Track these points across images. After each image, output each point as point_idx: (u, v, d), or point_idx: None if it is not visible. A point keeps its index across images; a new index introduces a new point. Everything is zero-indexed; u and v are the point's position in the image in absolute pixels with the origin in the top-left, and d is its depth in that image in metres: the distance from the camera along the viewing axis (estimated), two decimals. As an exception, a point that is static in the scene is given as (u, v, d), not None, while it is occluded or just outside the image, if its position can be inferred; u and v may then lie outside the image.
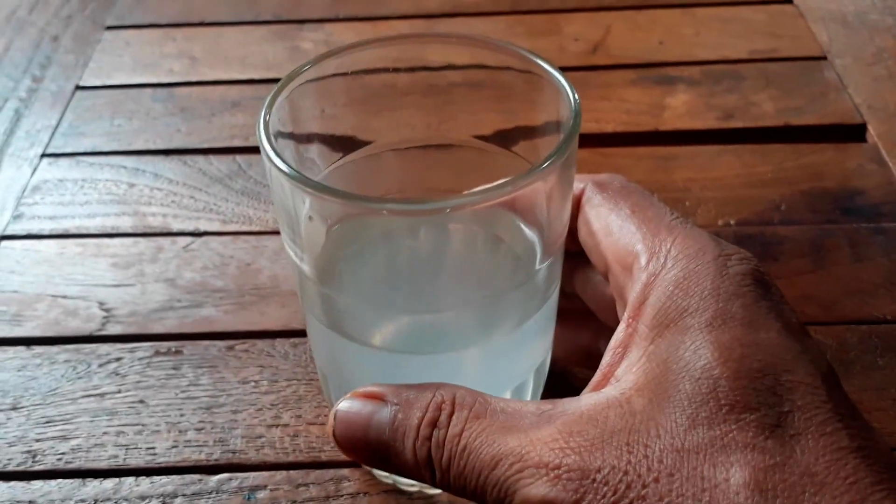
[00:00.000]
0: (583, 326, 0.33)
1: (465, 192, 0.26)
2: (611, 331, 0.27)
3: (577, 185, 0.30)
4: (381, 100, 0.32)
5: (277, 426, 0.35)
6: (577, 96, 0.28)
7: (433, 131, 0.33)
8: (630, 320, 0.26)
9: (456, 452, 0.24)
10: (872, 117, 0.50)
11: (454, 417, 0.24)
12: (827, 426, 0.22)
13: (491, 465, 0.23)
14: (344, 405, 0.26)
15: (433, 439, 0.24)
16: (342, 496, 0.33)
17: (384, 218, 0.30)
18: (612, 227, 0.28)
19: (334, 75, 0.30)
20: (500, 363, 0.30)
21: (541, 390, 0.34)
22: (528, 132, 0.31)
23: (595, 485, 0.22)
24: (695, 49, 0.56)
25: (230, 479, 0.34)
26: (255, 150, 0.49)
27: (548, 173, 0.25)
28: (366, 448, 0.25)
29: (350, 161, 0.32)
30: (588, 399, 0.24)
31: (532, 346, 0.31)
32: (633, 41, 0.57)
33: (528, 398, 0.32)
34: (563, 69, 0.54)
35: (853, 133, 0.50)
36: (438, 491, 0.33)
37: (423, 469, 0.25)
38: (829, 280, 0.41)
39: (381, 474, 0.34)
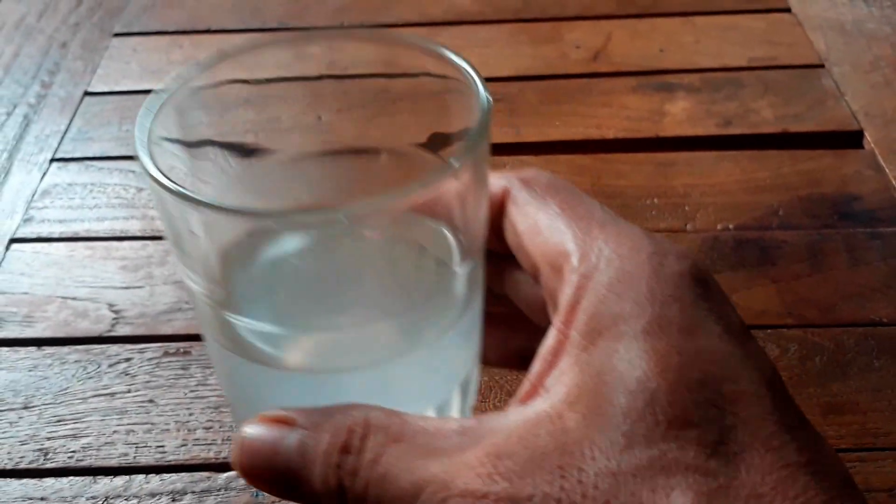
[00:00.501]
0: (516, 329, 0.32)
1: (361, 198, 0.23)
2: (543, 334, 0.26)
3: (501, 183, 0.28)
4: (289, 103, 0.30)
5: (284, 425, 0.36)
6: (488, 95, 0.26)
7: (347, 136, 0.30)
8: (561, 326, 0.24)
9: (372, 480, 0.22)
10: (869, 124, 0.51)
11: (369, 441, 0.22)
12: (773, 440, 0.21)
13: (412, 493, 0.21)
14: (249, 431, 0.23)
15: (345, 466, 0.22)
16: (348, 493, 0.34)
17: (282, 231, 0.28)
18: (541, 225, 0.26)
19: (230, 82, 0.28)
20: (421, 378, 0.28)
21: (469, 407, 0.32)
22: (447, 136, 0.29)
23: None
24: (695, 57, 0.57)
25: (238, 476, 0.34)
26: (262, 155, 0.50)
27: (458, 174, 0.24)
28: (272, 477, 0.23)
29: (253, 169, 0.29)
30: (516, 415, 0.22)
31: (455, 358, 0.29)
32: (634, 49, 0.57)
33: (456, 416, 0.30)
34: (565, 76, 0.56)
35: (850, 140, 0.50)
36: None
37: (335, 499, 0.22)
38: (826, 284, 0.42)
39: None
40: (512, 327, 0.31)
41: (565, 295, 0.24)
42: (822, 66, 0.56)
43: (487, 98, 0.26)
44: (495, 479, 0.21)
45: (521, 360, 0.30)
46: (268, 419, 0.24)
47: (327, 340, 0.28)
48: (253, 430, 0.23)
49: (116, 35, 0.61)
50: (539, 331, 0.29)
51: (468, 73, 0.27)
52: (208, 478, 0.34)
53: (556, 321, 0.24)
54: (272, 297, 0.29)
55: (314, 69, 0.29)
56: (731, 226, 0.45)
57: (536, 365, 0.24)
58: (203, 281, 0.26)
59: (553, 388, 0.23)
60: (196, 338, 0.40)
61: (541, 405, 0.22)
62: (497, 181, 0.28)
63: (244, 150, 0.29)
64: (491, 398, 0.37)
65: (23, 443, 0.36)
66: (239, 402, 0.29)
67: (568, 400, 0.22)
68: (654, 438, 0.21)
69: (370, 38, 0.29)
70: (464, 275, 0.27)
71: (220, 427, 0.36)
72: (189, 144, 0.27)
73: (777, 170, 0.48)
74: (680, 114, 0.52)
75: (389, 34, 0.29)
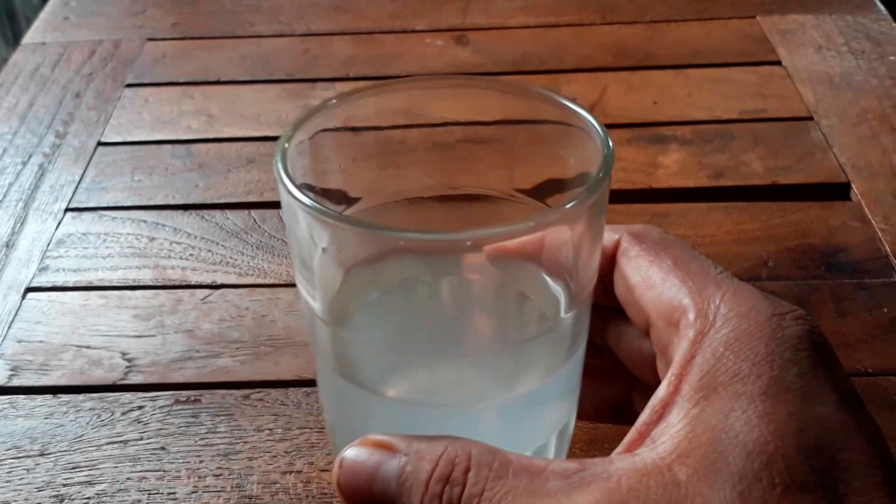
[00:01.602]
0: (612, 381, 0.32)
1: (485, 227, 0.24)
2: (643, 388, 0.26)
3: (612, 237, 0.28)
4: (397, 151, 0.32)
5: (291, 472, 0.38)
6: (610, 142, 0.27)
7: (456, 182, 0.32)
8: (674, 379, 0.24)
9: None
10: (856, 176, 0.52)
11: (471, 475, 0.22)
12: None
13: None
14: (351, 453, 0.24)
15: (445, 496, 0.23)
16: (352, 540, 0.35)
17: (403, 262, 0.29)
18: (654, 280, 0.26)
19: (352, 128, 0.29)
20: (521, 421, 0.29)
21: (564, 455, 0.32)
22: (560, 184, 0.30)
23: None
24: (687, 109, 0.59)
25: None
26: (270, 204, 0.52)
27: (574, 214, 0.24)
28: (370, 500, 0.24)
29: (362, 210, 0.31)
30: (623, 462, 0.22)
31: (556, 403, 0.30)
32: (629, 101, 0.59)
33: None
34: (562, 128, 0.57)
35: (838, 191, 0.52)
36: None
37: None
38: (813, 334, 0.43)
39: None
40: (609, 380, 0.32)
41: (681, 349, 0.24)
42: (811, 118, 0.58)
43: (609, 143, 0.27)
44: None
45: (615, 413, 0.32)
46: (370, 443, 0.24)
47: (433, 374, 0.29)
48: (355, 453, 0.24)
49: (129, 86, 0.63)
50: (636, 386, 0.30)
51: (588, 119, 0.28)
52: (218, 524, 0.36)
53: (669, 374, 0.24)
54: (383, 325, 0.31)
55: (425, 117, 0.31)
56: (721, 277, 0.46)
57: (644, 415, 0.24)
58: (324, 299, 0.28)
59: (661, 439, 0.23)
60: (206, 386, 0.41)
61: (649, 455, 0.22)
62: (607, 234, 0.29)
63: (347, 197, 0.31)
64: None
65: (39, 489, 0.37)
66: (341, 427, 0.30)
67: (678, 452, 0.22)
68: (769, 499, 0.21)
69: (489, 86, 0.30)
70: (570, 319, 0.28)
71: (230, 474, 0.38)
72: (311, 188, 0.29)
73: (766, 221, 0.50)
74: (673, 165, 0.54)
75: (514, 84, 0.30)
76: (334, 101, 0.29)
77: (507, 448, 0.24)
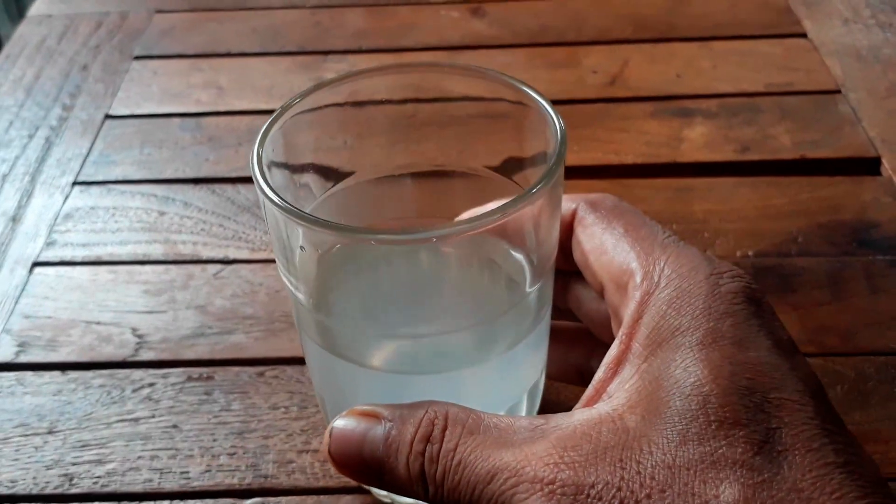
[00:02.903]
0: (575, 344, 0.34)
1: (454, 220, 0.26)
2: (603, 349, 0.28)
3: (569, 205, 0.30)
4: (374, 128, 0.33)
5: (307, 451, 0.36)
6: (562, 124, 0.29)
7: (426, 159, 0.34)
8: (624, 338, 0.26)
9: (450, 467, 0.24)
10: (886, 150, 0.51)
11: (447, 433, 0.25)
12: (813, 442, 0.23)
13: (486, 479, 0.24)
14: (339, 423, 0.26)
15: (426, 454, 0.25)
16: (372, 521, 0.34)
17: (375, 246, 0.31)
18: (606, 246, 0.29)
19: (326, 106, 0.31)
20: (494, 384, 0.31)
21: (535, 411, 0.34)
22: (520, 162, 0.32)
23: (589, 500, 0.22)
24: (712, 82, 0.57)
25: (262, 503, 0.35)
26: (282, 179, 0.50)
27: (534, 199, 0.26)
28: (360, 465, 0.26)
29: (343, 189, 0.33)
30: (581, 415, 0.25)
31: (525, 367, 0.32)
32: (651, 74, 0.58)
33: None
34: (583, 101, 0.56)
35: (868, 166, 0.51)
36: None
37: (417, 484, 0.25)
38: (846, 312, 0.42)
39: (380, 493, 0.34)
40: (572, 343, 0.34)
41: (629, 310, 0.27)
42: (839, 91, 0.56)
43: (562, 127, 0.29)
44: (561, 468, 0.23)
45: (578, 375, 0.34)
46: (357, 413, 0.26)
47: (411, 346, 0.31)
48: (343, 423, 0.26)
49: (137, 58, 0.62)
50: (597, 348, 0.32)
51: (540, 102, 0.30)
52: (232, 504, 0.35)
53: (620, 334, 0.27)
54: (361, 303, 0.32)
55: (400, 94, 0.33)
56: (750, 252, 0.45)
57: (600, 373, 0.27)
58: (305, 288, 0.30)
59: (616, 393, 0.25)
60: (219, 363, 0.40)
61: (604, 408, 0.25)
62: (565, 203, 0.31)
63: (331, 173, 0.33)
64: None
65: (48, 468, 0.36)
66: (330, 398, 0.33)
67: (629, 404, 0.24)
68: (705, 437, 0.23)
69: (454, 70, 0.33)
70: (535, 292, 0.30)
71: (244, 453, 0.36)
72: (290, 167, 0.31)
73: (795, 196, 0.48)
74: (698, 139, 0.52)
75: (470, 67, 0.32)
76: (298, 99, 0.31)
77: (483, 408, 0.26)
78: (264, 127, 0.29)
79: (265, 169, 0.28)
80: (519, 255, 0.30)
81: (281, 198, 0.27)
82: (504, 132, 0.33)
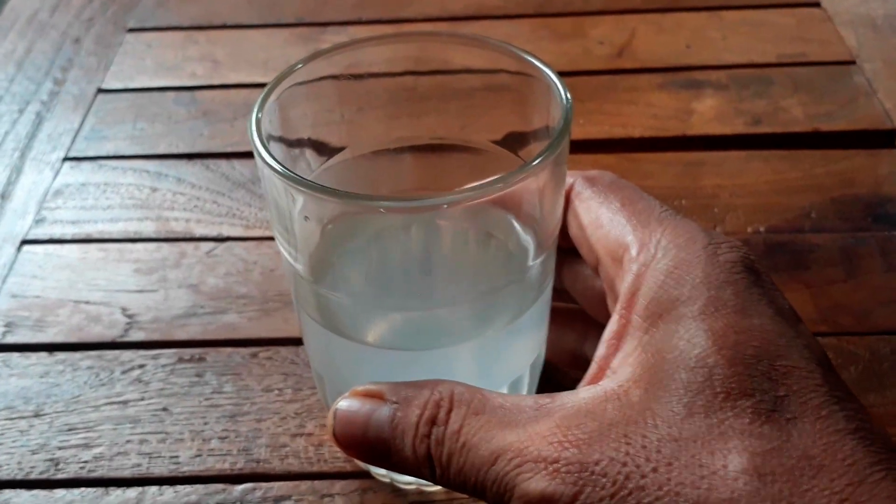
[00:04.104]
0: (567, 328, 0.34)
1: (458, 189, 0.26)
2: (597, 331, 0.27)
3: (567, 181, 0.30)
4: (372, 101, 0.32)
5: (302, 435, 0.35)
6: (568, 95, 0.28)
7: (426, 133, 0.33)
8: (623, 311, 0.26)
9: (455, 449, 0.24)
10: (904, 123, 0.49)
11: (453, 414, 0.24)
12: (822, 409, 0.22)
13: (490, 460, 0.23)
14: (343, 404, 0.26)
15: (432, 437, 0.24)
16: (368, 508, 0.33)
17: (378, 216, 0.30)
18: (603, 220, 0.28)
19: (323, 78, 0.30)
20: (497, 358, 0.30)
21: (536, 384, 0.34)
22: (524, 135, 0.31)
23: (594, 477, 0.22)
24: (722, 53, 0.55)
25: (254, 488, 0.33)
26: (278, 154, 0.49)
27: (538, 170, 0.26)
28: (365, 446, 0.26)
29: (340, 162, 0.32)
30: (585, 392, 0.24)
31: (528, 340, 0.31)
32: (660, 45, 0.56)
33: (525, 392, 0.33)
34: (589, 73, 0.54)
35: (883, 139, 0.49)
36: (437, 488, 0.33)
37: (423, 466, 0.25)
38: (861, 289, 0.40)
39: (379, 472, 0.33)
40: (564, 326, 0.33)
41: (626, 283, 0.26)
42: (854, 62, 0.54)
43: (568, 98, 0.28)
44: (565, 447, 0.23)
45: (572, 357, 0.34)
46: (360, 393, 0.26)
47: (409, 320, 0.31)
48: (347, 404, 0.26)
49: (131, 30, 0.60)
50: (590, 331, 0.31)
51: (545, 71, 0.29)
52: (223, 490, 0.33)
53: (618, 307, 0.26)
54: (362, 277, 0.32)
55: (400, 66, 0.32)
56: (762, 228, 0.43)
57: (601, 349, 0.26)
58: (303, 258, 0.29)
59: (619, 369, 0.25)
60: (211, 343, 0.39)
61: (608, 384, 0.24)
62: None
63: (326, 147, 0.32)
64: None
65: (34, 452, 0.35)
66: (329, 376, 0.32)
67: (633, 378, 0.24)
68: (712, 408, 0.22)
69: (454, 40, 0.32)
70: (538, 265, 0.29)
71: (236, 437, 0.35)
72: (286, 140, 0.30)
73: (809, 170, 0.47)
74: (708, 112, 0.50)
75: (473, 37, 0.31)
76: (300, 65, 0.30)
77: (486, 384, 0.26)
78: (262, 95, 0.28)
79: (264, 137, 0.27)
80: (523, 228, 0.30)
81: (283, 166, 0.26)
82: (507, 104, 0.32)
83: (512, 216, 0.30)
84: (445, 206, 0.25)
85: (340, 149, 0.32)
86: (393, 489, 0.33)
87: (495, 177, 0.25)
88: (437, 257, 0.32)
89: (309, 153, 0.31)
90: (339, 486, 0.33)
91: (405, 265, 0.32)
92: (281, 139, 0.30)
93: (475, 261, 0.32)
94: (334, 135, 0.32)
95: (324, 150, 0.31)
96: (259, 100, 0.28)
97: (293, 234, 0.28)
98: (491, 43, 0.31)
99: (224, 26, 0.60)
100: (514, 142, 0.32)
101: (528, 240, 0.30)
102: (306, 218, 0.27)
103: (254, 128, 0.27)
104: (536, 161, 0.25)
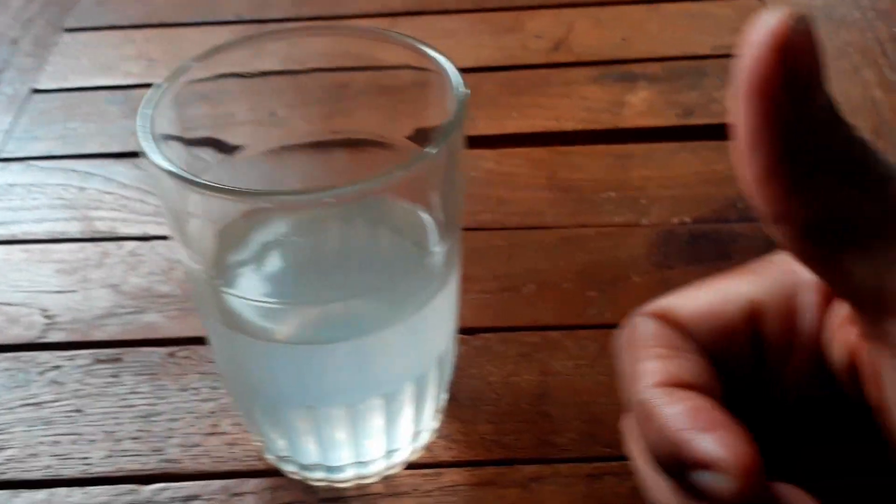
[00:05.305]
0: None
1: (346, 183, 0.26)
2: None
3: (810, 299, 0.23)
4: (267, 98, 0.32)
5: (215, 434, 0.35)
6: (462, 88, 0.28)
7: (329, 130, 0.33)
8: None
9: None
10: (835, 112, 0.49)
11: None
12: None
13: None
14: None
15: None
16: (277, 505, 0.33)
17: (276, 213, 0.31)
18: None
19: (222, 76, 0.30)
20: (402, 351, 0.30)
21: (445, 381, 0.34)
22: (430, 130, 0.31)
23: None
24: (658, 46, 0.55)
25: (164, 488, 0.33)
26: (209, 152, 0.49)
27: (433, 158, 0.26)
28: None
29: (237, 161, 0.32)
30: None
31: (434, 332, 0.31)
32: (596, 38, 0.56)
33: (432, 390, 0.32)
34: (526, 67, 0.54)
35: (815, 129, 0.49)
36: (349, 484, 0.33)
37: None
38: (784, 279, 0.40)
39: (290, 469, 0.33)
40: None
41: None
42: (789, 53, 0.54)
43: (461, 89, 0.28)
44: None
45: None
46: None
47: (313, 315, 0.30)
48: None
49: (68, 30, 0.60)
50: None
51: (442, 65, 0.29)
52: (133, 490, 0.33)
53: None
54: (263, 274, 0.31)
55: (300, 63, 0.32)
56: (687, 219, 0.43)
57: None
58: (201, 259, 0.29)
59: None
60: (129, 343, 0.38)
61: None
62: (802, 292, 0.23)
63: (225, 146, 0.31)
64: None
65: (-56, 456, 0.34)
66: (232, 376, 0.32)
67: None
68: None
69: (356, 33, 0.32)
70: (441, 254, 0.29)
71: (149, 437, 0.35)
72: (182, 140, 0.30)
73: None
74: (640, 104, 0.50)
75: (376, 30, 0.32)
76: (193, 62, 0.30)
77: (390, 378, 0.27)
78: (152, 92, 0.28)
79: (154, 134, 0.27)
80: (426, 216, 0.30)
81: (173, 164, 0.26)
82: (414, 100, 0.31)
83: (414, 205, 0.30)
84: (330, 199, 0.25)
85: (235, 148, 0.31)
86: (304, 486, 0.33)
87: (383, 172, 0.25)
88: (334, 250, 0.32)
89: (206, 152, 0.31)
90: (250, 484, 0.33)
91: (305, 259, 0.32)
92: (178, 138, 0.29)
93: (376, 252, 0.32)
94: (232, 133, 0.31)
95: (222, 149, 0.31)
96: (147, 97, 0.28)
97: (186, 235, 0.28)
98: (393, 37, 0.31)
99: (162, 25, 0.59)
100: (423, 137, 0.31)
101: (431, 227, 0.30)
102: (195, 216, 0.27)
103: (140, 124, 0.27)
104: (430, 150, 0.26)
